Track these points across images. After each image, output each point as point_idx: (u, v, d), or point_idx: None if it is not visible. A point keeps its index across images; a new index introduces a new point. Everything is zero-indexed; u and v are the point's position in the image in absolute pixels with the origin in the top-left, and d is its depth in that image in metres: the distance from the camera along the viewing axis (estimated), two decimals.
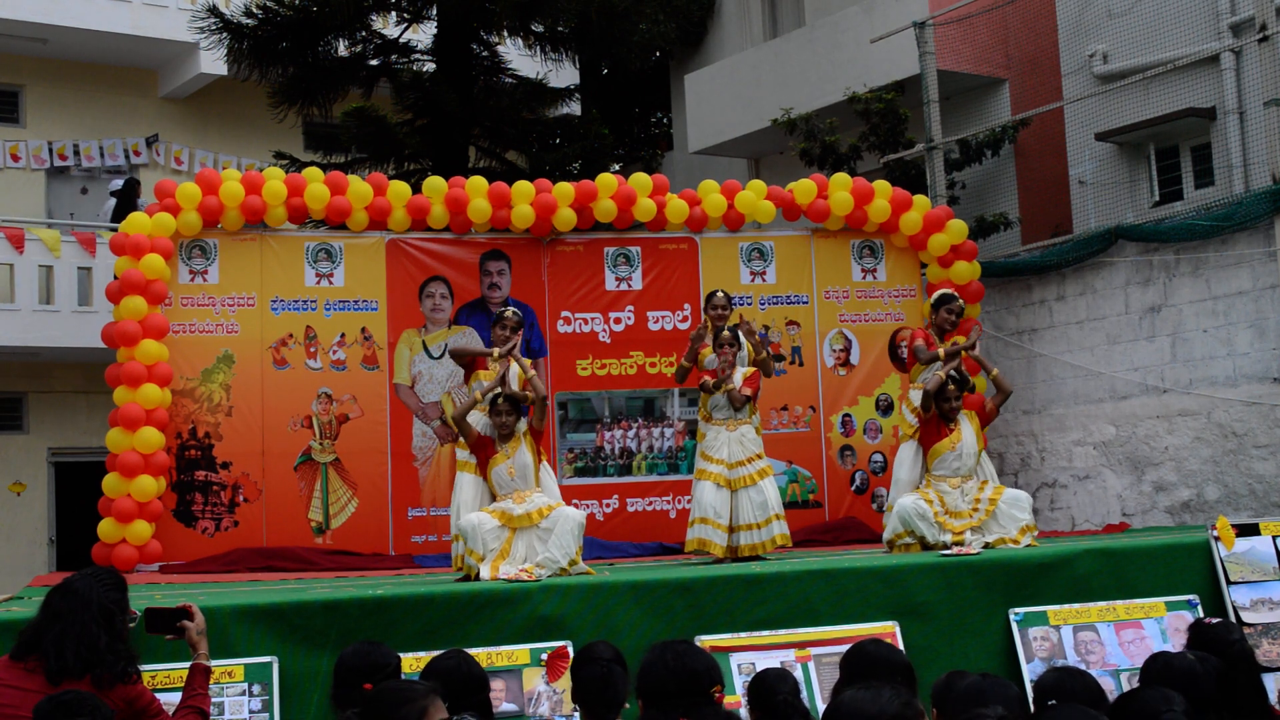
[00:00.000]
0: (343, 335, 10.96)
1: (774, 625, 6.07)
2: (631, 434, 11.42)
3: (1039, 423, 12.07)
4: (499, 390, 7.78)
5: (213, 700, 4.82)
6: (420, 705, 3.51)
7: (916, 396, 8.61)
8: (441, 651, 4.58)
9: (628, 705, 4.20)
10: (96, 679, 4.08)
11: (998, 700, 3.68)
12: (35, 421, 15.89)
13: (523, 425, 7.77)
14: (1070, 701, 3.57)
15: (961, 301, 9.12)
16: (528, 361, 8.41)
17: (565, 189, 11.18)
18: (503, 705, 5.47)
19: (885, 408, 11.70)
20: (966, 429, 8.19)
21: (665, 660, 4.00)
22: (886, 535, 8.16)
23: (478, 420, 7.93)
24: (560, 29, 14.85)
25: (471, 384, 8.38)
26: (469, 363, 8.56)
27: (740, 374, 8.60)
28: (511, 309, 8.75)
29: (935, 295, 9.20)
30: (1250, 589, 6.64)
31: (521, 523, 7.41)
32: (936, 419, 8.21)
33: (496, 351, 8.28)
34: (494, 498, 7.72)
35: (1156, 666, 4.35)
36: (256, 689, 5.30)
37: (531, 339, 11.25)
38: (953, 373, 8.26)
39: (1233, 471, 10.53)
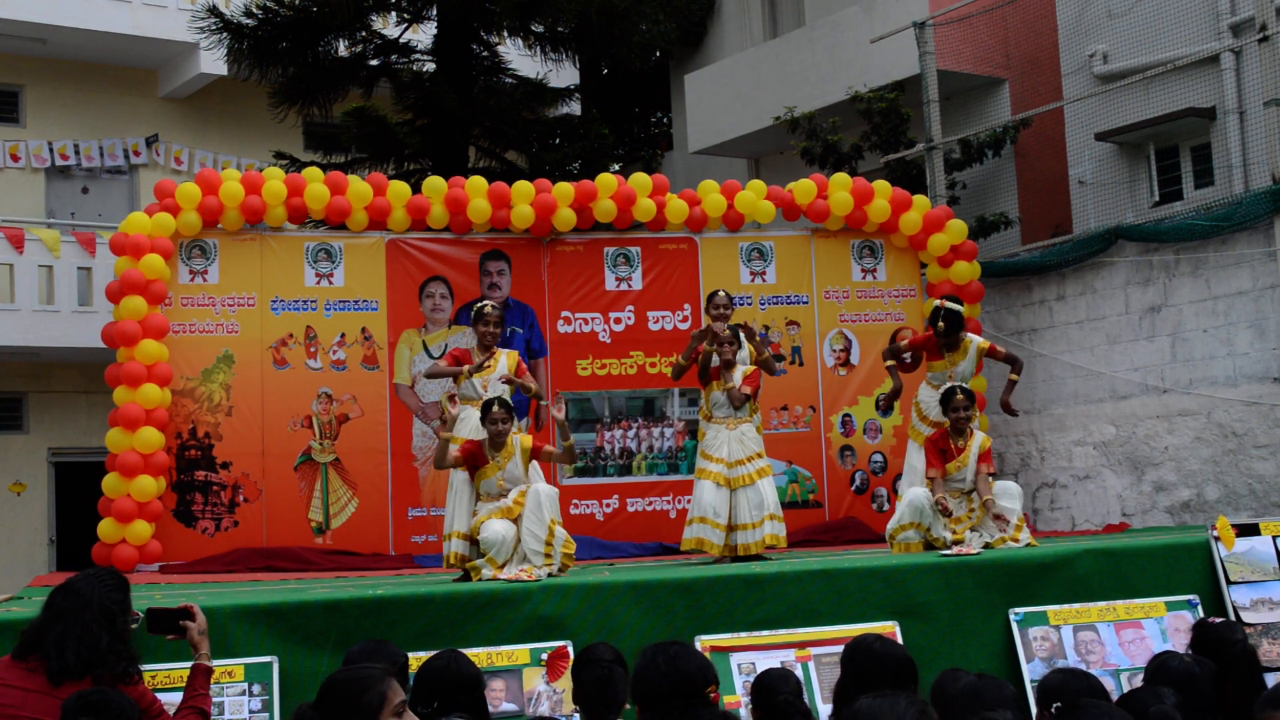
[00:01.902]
0: (343, 335, 10.96)
1: (774, 625, 6.07)
2: (631, 434, 11.42)
3: (1039, 423, 12.07)
4: (497, 386, 7.68)
5: (213, 700, 4.81)
6: (379, 690, 3.44)
7: (926, 394, 8.60)
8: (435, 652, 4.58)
9: (628, 706, 4.20)
10: (97, 679, 4.07)
11: (994, 701, 3.68)
12: (35, 421, 15.90)
13: (517, 430, 7.64)
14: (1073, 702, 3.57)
15: (941, 322, 8.51)
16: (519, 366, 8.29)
17: (565, 189, 11.18)
18: (503, 705, 5.47)
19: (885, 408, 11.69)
20: (973, 450, 7.98)
21: (658, 663, 3.99)
22: (890, 525, 8.12)
23: (461, 437, 7.81)
24: (560, 29, 14.85)
25: (460, 383, 8.32)
26: (448, 373, 8.48)
27: (740, 372, 8.60)
28: (489, 303, 8.55)
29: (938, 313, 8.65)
30: (1250, 589, 6.64)
31: (515, 513, 7.39)
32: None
33: (467, 370, 8.21)
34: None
35: (1154, 667, 4.36)
36: (256, 689, 5.30)
37: (532, 339, 11.26)
38: (961, 384, 8.22)
39: (1233, 471, 10.53)
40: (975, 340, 8.65)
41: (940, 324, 8.50)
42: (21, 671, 4.13)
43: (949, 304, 8.59)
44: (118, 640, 4.18)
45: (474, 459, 7.51)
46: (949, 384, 8.23)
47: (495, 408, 7.46)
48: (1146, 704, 3.68)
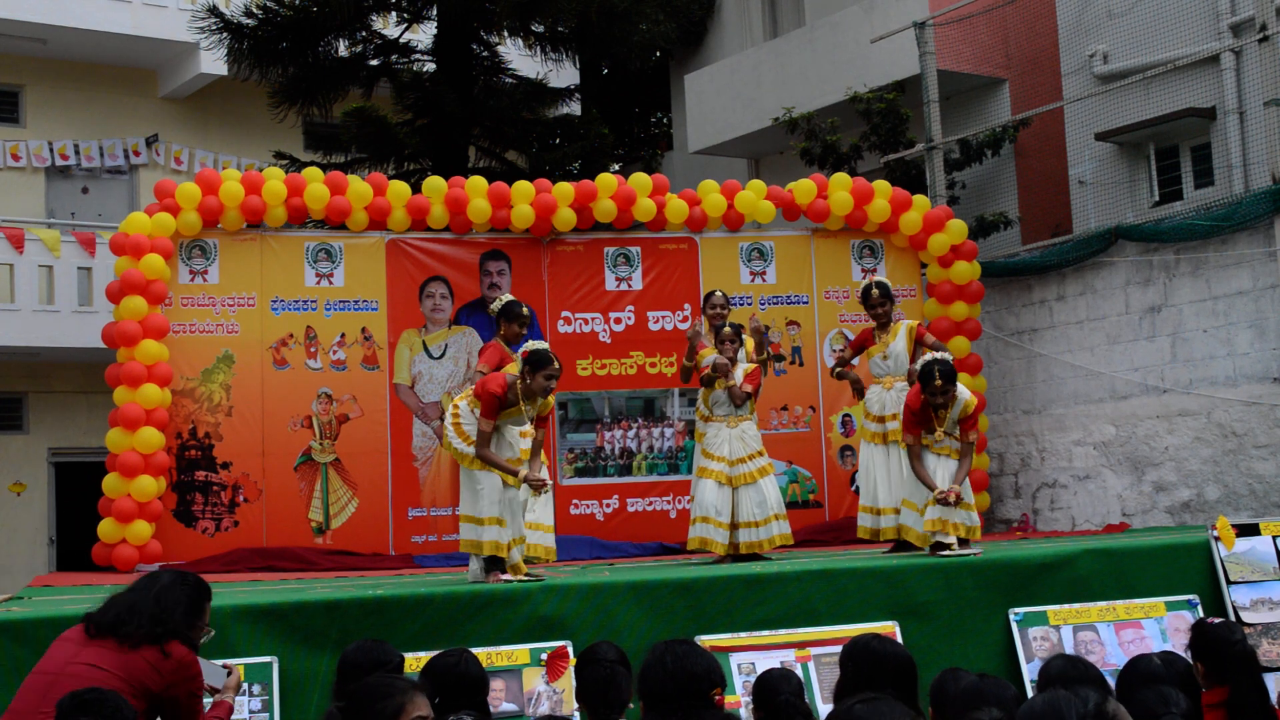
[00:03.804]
0: (343, 335, 10.96)
1: (774, 625, 6.08)
2: (631, 434, 11.42)
3: (1039, 423, 12.08)
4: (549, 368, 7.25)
5: None
6: (398, 701, 3.49)
7: (873, 391, 9.00)
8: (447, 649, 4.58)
9: (631, 705, 4.19)
10: (125, 636, 4.14)
11: (995, 701, 3.68)
12: (35, 421, 15.90)
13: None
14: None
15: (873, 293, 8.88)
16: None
17: (565, 189, 11.19)
18: (503, 705, 5.47)
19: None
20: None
21: (665, 662, 3.97)
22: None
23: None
24: (560, 29, 14.85)
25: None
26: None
27: (741, 370, 8.60)
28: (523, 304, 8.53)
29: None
30: (1250, 589, 6.64)
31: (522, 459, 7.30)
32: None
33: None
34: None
35: (1126, 670, 4.31)
36: (256, 689, 5.31)
37: (532, 339, 11.25)
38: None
39: (1233, 471, 10.54)
40: (906, 322, 8.96)
41: (874, 291, 8.82)
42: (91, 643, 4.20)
43: (878, 278, 9.13)
44: (162, 612, 4.22)
45: (504, 401, 7.19)
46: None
47: (558, 365, 7.23)
48: (1154, 710, 3.66)
